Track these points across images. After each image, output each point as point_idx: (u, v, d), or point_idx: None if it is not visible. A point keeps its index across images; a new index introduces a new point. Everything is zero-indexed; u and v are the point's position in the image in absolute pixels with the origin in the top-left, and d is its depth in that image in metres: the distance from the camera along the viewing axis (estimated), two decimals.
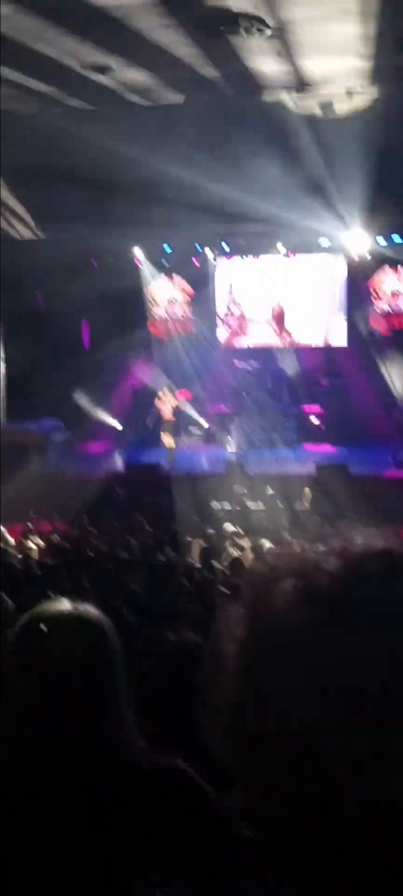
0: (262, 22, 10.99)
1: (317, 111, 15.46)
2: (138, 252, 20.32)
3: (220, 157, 15.38)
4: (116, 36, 11.32)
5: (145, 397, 19.90)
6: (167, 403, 18.34)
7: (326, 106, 15.34)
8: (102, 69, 12.52)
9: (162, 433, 18.27)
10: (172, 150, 14.98)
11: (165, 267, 20.84)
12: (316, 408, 19.80)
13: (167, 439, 18.09)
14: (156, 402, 18.45)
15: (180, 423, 19.20)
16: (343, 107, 15.28)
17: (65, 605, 1.95)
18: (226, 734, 0.87)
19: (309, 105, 15.24)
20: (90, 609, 1.96)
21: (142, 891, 1.65)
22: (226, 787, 1.91)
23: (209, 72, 13.12)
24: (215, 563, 10.24)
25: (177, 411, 18.62)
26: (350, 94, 14.71)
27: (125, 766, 1.86)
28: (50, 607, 1.96)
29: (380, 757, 0.77)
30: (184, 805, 1.88)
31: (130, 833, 1.79)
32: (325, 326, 20.63)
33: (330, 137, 15.42)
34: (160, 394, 18.48)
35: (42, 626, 1.90)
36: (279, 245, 19.55)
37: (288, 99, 15.02)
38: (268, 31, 11.25)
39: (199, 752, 1.47)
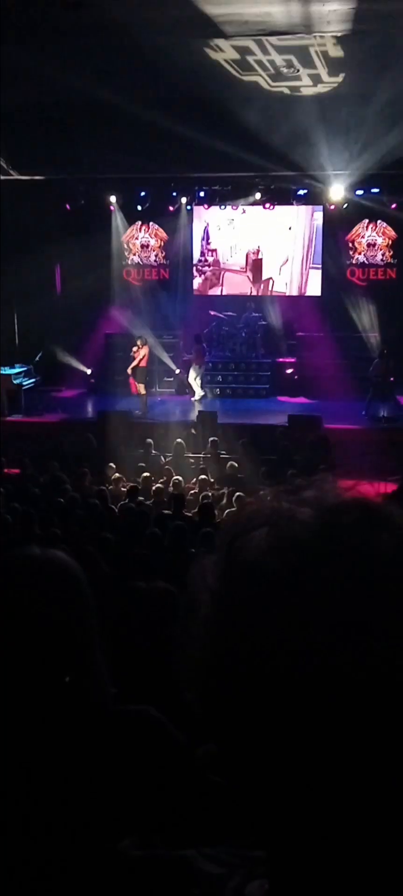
0: None
1: (287, 92, 15.59)
2: (112, 197, 20.08)
3: (198, 106, 15.27)
4: None
5: (118, 344, 19.83)
6: (140, 351, 18.29)
7: (295, 90, 15.51)
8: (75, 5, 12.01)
9: (135, 381, 18.25)
10: (148, 96, 14.83)
11: (140, 213, 20.64)
12: (290, 359, 19.83)
13: (139, 387, 18.07)
14: (134, 350, 18.38)
15: (153, 372, 19.15)
16: (309, 91, 15.49)
17: (34, 550, 1.94)
18: (199, 682, 0.87)
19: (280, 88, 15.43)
20: (59, 554, 1.95)
21: (110, 837, 1.67)
22: (198, 736, 1.93)
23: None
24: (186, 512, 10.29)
25: (151, 360, 18.56)
26: (315, 82, 15.07)
27: (95, 711, 1.87)
28: (19, 553, 1.95)
29: (352, 704, 0.78)
30: (154, 752, 1.90)
31: (99, 779, 1.80)
32: (301, 278, 20.63)
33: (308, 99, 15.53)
34: (138, 342, 18.39)
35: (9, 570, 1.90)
36: (257, 195, 19.43)
37: (263, 82, 15.13)
38: None
39: (171, 700, 1.48)
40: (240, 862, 0.93)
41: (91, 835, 1.65)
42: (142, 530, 9.16)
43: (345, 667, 0.77)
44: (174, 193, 19.99)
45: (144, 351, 18.20)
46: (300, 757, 0.79)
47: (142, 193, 19.72)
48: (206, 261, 21.06)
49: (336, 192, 18.51)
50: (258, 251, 20.73)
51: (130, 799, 1.80)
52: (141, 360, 18.15)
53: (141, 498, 11.10)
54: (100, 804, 1.75)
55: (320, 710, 0.78)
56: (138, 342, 18.33)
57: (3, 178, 17.79)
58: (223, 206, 20.24)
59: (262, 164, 16.55)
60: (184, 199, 20.21)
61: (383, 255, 20.56)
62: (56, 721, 1.81)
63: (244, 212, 20.29)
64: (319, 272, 20.53)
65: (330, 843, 0.81)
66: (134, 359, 18.16)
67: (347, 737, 0.78)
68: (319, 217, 20.11)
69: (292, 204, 19.76)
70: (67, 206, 20.12)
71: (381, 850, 0.80)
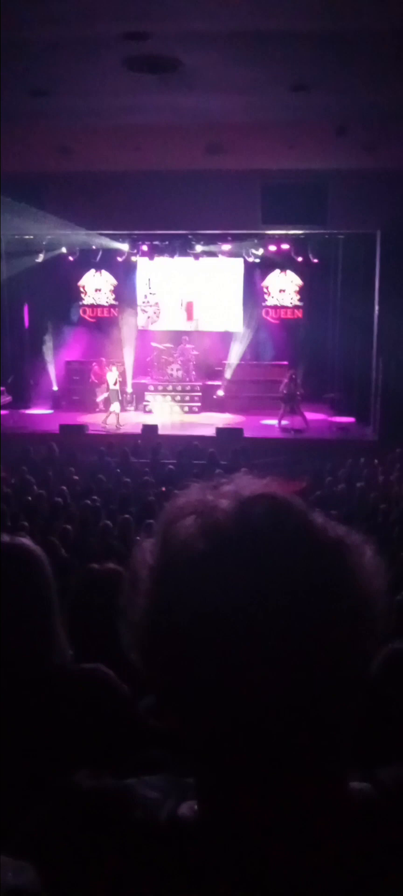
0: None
1: None
2: (71, 250, 19.85)
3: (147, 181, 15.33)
4: None
5: (76, 370, 19.75)
6: (107, 375, 18.35)
7: None
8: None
9: (100, 400, 18.38)
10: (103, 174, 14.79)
11: (94, 262, 20.50)
12: (217, 382, 19.92)
13: (106, 403, 18.18)
14: (92, 374, 18.42)
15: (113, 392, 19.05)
16: None
17: (4, 538, 1.95)
18: (140, 645, 0.87)
19: None
20: (25, 542, 1.97)
21: (67, 770, 1.65)
22: (140, 690, 1.93)
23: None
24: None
25: (114, 382, 18.53)
26: None
27: (56, 670, 1.86)
28: None
29: (262, 652, 0.79)
30: (103, 701, 1.90)
31: (60, 725, 1.79)
32: (226, 316, 20.73)
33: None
34: (95, 366, 18.44)
35: None
36: (189, 249, 19.45)
37: None
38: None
39: (119, 661, 1.48)
40: (174, 788, 0.93)
41: (50, 768, 1.64)
42: (96, 523, 9.09)
43: (258, 624, 0.79)
44: (122, 247, 19.79)
45: (111, 373, 18.35)
46: (219, 700, 0.80)
47: (93, 247, 19.47)
48: (148, 302, 21.02)
49: (255, 247, 18.77)
50: (191, 294, 20.77)
51: (84, 739, 1.79)
52: (109, 382, 18.25)
53: (95, 496, 10.99)
54: (59, 743, 1.74)
55: (237, 658, 0.79)
56: (109, 366, 18.48)
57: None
58: (162, 257, 20.16)
59: (195, 225, 16.73)
60: (131, 252, 19.99)
61: (291, 298, 20.87)
62: (22, 678, 1.79)
63: (180, 262, 20.20)
64: (240, 312, 20.66)
65: (243, 769, 0.82)
66: (96, 379, 18.29)
67: (256, 677, 0.79)
68: (240, 266, 20.23)
69: (219, 257, 19.82)
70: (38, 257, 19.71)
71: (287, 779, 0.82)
